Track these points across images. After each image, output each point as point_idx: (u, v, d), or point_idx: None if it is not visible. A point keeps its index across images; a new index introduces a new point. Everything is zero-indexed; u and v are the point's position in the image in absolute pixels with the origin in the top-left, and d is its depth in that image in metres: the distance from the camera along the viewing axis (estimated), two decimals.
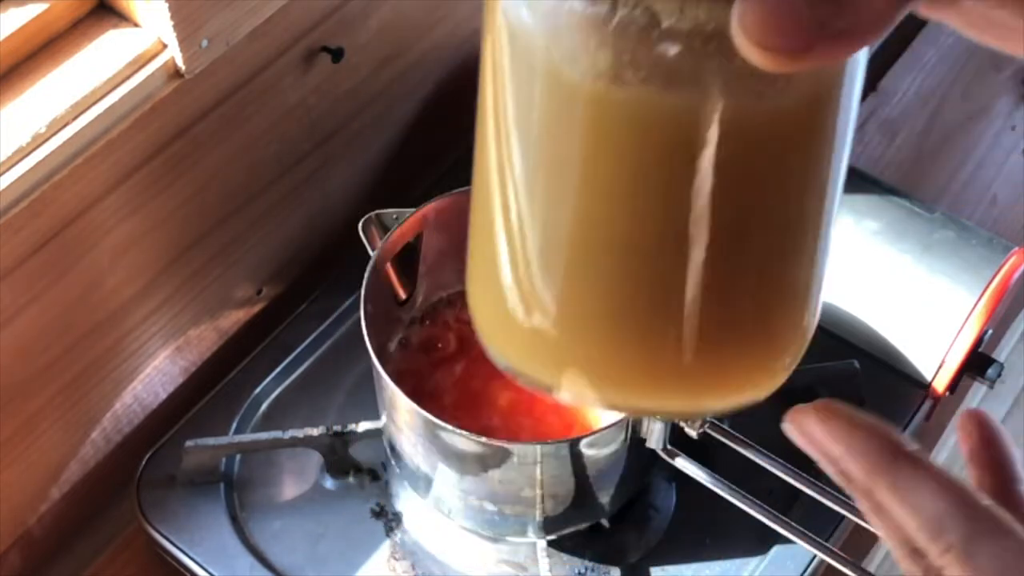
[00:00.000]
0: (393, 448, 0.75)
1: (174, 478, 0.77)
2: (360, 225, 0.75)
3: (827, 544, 0.69)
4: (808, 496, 0.67)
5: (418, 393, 0.76)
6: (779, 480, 0.68)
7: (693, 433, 0.68)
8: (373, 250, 0.74)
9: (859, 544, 0.76)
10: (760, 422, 0.81)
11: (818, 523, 0.73)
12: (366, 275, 0.72)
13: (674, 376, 0.39)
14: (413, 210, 0.75)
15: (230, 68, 0.74)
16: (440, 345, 0.78)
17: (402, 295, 0.78)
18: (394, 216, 0.75)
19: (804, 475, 0.67)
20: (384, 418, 0.73)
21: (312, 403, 0.82)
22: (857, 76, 0.36)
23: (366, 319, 0.70)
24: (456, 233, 0.77)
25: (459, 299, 0.80)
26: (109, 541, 0.81)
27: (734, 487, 0.68)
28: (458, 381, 0.77)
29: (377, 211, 0.76)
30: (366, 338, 0.69)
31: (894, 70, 1.06)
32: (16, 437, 0.74)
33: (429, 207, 0.76)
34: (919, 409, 0.80)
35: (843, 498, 0.67)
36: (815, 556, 0.73)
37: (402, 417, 0.69)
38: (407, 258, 0.77)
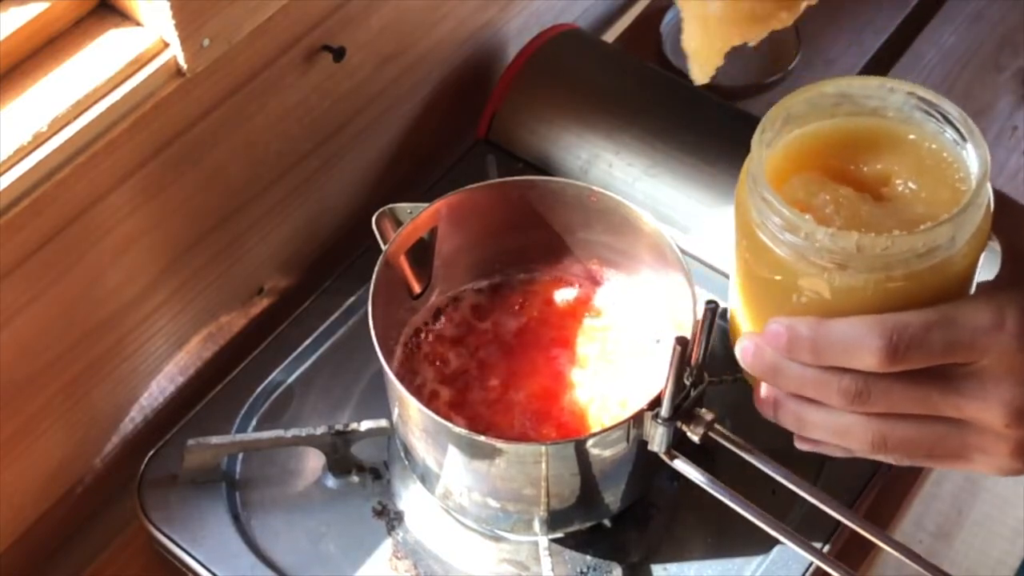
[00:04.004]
0: (401, 443, 0.75)
1: (176, 477, 0.77)
2: (374, 219, 0.74)
3: (821, 550, 0.69)
4: (807, 500, 0.67)
5: (428, 391, 0.76)
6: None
7: (695, 437, 0.68)
8: (385, 243, 0.74)
9: (857, 549, 0.76)
10: (760, 425, 0.80)
11: (817, 526, 0.73)
12: (376, 268, 0.72)
13: None
14: (427, 205, 0.75)
15: (231, 67, 0.74)
16: (452, 341, 0.78)
17: (416, 288, 0.77)
18: (408, 211, 0.75)
19: (802, 480, 0.67)
20: (395, 414, 0.73)
21: (314, 402, 0.82)
22: None
23: (374, 313, 0.70)
24: (469, 228, 0.77)
25: (472, 295, 0.80)
26: (110, 540, 0.81)
27: (731, 490, 0.68)
28: (472, 376, 0.76)
29: (391, 205, 0.75)
30: (372, 331, 0.69)
31: (895, 70, 1.05)
32: (17, 436, 0.74)
33: (443, 202, 0.75)
34: None
35: (840, 505, 0.66)
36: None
37: (411, 415, 0.69)
38: (420, 253, 0.76)
